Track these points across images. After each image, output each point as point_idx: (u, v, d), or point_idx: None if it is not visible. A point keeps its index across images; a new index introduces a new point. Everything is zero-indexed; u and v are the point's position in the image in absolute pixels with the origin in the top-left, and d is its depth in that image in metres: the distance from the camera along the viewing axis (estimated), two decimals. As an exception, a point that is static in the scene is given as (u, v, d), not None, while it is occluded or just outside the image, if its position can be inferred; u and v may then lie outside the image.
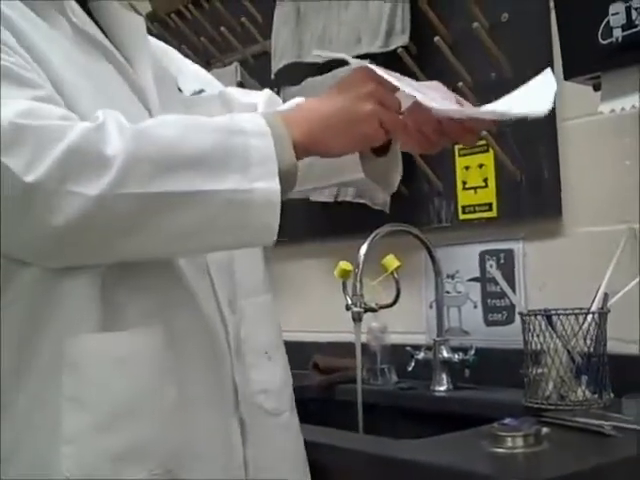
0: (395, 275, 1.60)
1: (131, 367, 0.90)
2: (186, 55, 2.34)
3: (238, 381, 1.02)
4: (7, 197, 0.82)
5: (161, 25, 2.49)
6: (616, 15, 1.26)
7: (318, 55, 1.58)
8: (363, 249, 1.60)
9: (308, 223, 2.06)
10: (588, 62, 1.32)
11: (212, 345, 0.99)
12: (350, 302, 1.58)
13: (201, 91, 1.20)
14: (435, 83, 1.06)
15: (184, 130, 0.89)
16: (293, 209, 2.06)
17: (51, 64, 0.92)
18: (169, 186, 0.85)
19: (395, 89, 0.97)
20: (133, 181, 0.84)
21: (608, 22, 1.27)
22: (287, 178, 0.90)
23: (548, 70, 1.06)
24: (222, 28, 2.22)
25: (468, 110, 1.02)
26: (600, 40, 1.28)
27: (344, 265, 1.63)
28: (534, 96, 1.06)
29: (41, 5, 0.96)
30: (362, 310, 1.58)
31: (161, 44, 1.24)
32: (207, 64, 2.34)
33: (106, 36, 1.05)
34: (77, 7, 1.01)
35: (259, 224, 0.89)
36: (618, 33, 1.26)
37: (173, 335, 0.93)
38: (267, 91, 1.29)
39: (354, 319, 1.57)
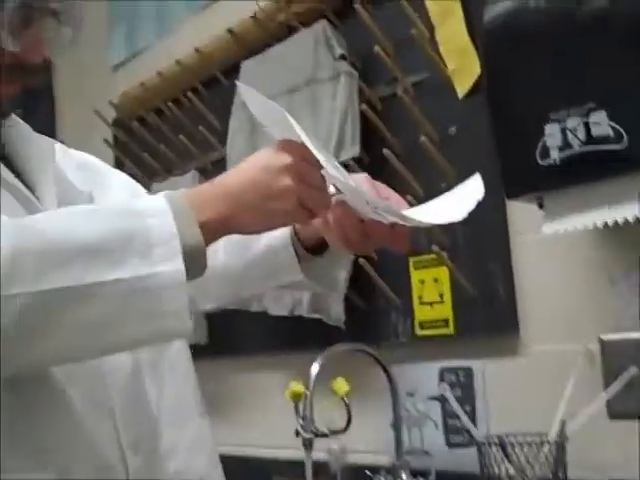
0: (345, 399, 1.53)
1: None
2: (147, 161, 2.34)
3: None
4: None
5: (124, 132, 2.48)
6: (551, 136, 1.22)
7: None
8: (314, 370, 1.53)
9: (265, 336, 2.01)
10: (529, 182, 1.28)
11: None
12: (300, 427, 1.50)
13: None
14: (364, 176, 0.96)
15: (73, 219, 0.82)
16: (251, 321, 2.04)
17: None
18: (61, 281, 0.78)
19: (320, 166, 0.87)
20: (20, 280, 0.77)
21: (545, 143, 1.23)
22: (194, 257, 0.83)
23: (477, 175, 1.00)
24: (180, 136, 2.20)
25: (380, 209, 0.89)
26: (539, 161, 1.24)
27: (295, 387, 1.56)
28: (457, 202, 0.98)
29: None
30: (312, 436, 1.50)
31: (82, 158, 1.17)
32: (167, 171, 2.32)
33: (10, 161, 1.01)
34: None
35: (168, 310, 0.81)
36: (555, 154, 1.22)
37: None
38: None
39: (305, 446, 1.49)
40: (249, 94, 0.91)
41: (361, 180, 0.94)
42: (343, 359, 1.67)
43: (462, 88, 1.60)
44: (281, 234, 1.07)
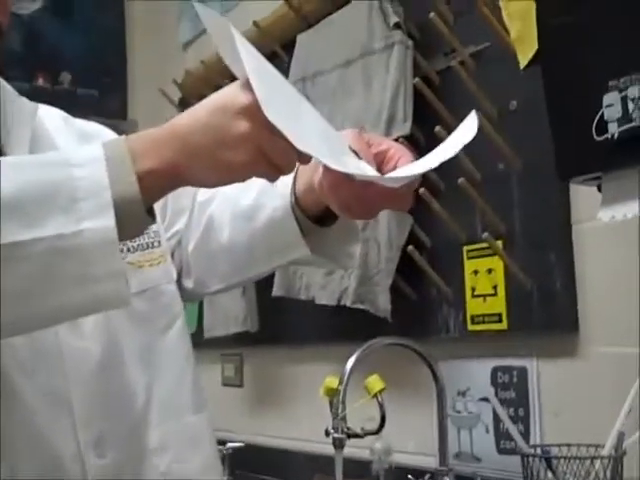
0: (379, 398, 1.41)
1: None
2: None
3: None
4: None
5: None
6: (610, 107, 1.06)
7: None
8: (348, 366, 1.42)
9: (315, 325, 1.90)
10: (583, 162, 1.12)
11: None
12: (330, 426, 1.39)
13: None
14: (350, 131, 0.83)
15: None
16: (301, 310, 1.94)
17: None
18: None
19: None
20: None
21: (602, 115, 1.07)
22: (130, 211, 0.71)
23: (473, 113, 0.87)
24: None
25: (363, 172, 0.77)
26: (595, 136, 1.08)
27: (329, 382, 1.45)
28: (451, 143, 0.86)
29: None
30: (344, 437, 1.38)
31: (89, 128, 1.08)
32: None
33: None
34: None
35: (98, 273, 0.70)
36: (614, 129, 1.06)
37: None
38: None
39: (335, 446, 1.38)
40: (210, 21, 0.77)
41: (347, 136, 0.81)
42: (388, 353, 1.56)
43: (525, 56, 1.44)
44: (282, 204, 0.96)
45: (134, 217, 0.72)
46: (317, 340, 1.93)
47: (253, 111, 0.70)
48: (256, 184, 1.05)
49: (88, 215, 0.69)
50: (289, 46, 1.99)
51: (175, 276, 1.06)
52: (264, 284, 1.89)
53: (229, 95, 0.73)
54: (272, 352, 2.13)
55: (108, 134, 1.10)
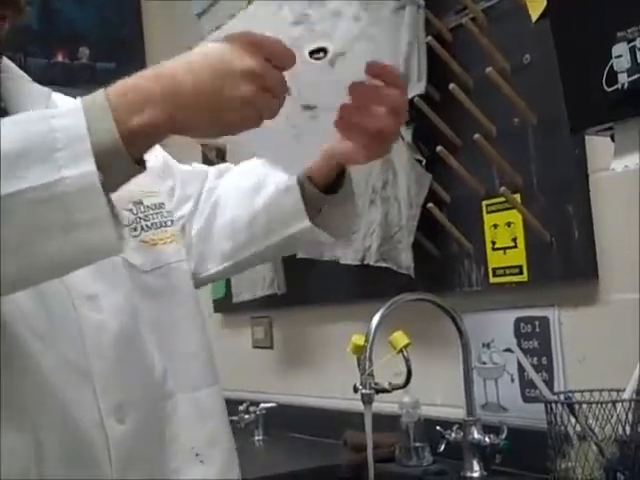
0: (405, 353, 1.44)
1: None
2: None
3: None
4: None
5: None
6: (620, 58, 1.07)
7: None
8: (374, 323, 1.46)
9: (340, 285, 1.94)
10: (594, 113, 1.14)
11: (85, 463, 0.86)
12: (359, 383, 1.43)
13: None
14: None
15: None
16: (326, 271, 1.98)
17: None
18: None
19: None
20: None
21: (612, 67, 1.09)
22: (112, 159, 0.71)
23: None
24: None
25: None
26: (605, 88, 1.10)
27: (357, 340, 1.48)
28: None
29: None
30: (372, 392, 1.42)
31: None
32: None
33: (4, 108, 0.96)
34: None
35: (82, 220, 0.70)
36: (624, 79, 1.08)
37: (42, 453, 0.82)
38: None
39: (364, 402, 1.42)
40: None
41: None
42: (413, 309, 1.59)
43: (536, 11, 1.45)
44: (287, 177, 1.00)
45: (119, 165, 0.72)
46: (343, 299, 1.97)
47: (257, 74, 0.73)
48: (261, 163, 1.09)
49: (67, 163, 0.69)
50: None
51: (185, 255, 1.08)
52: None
53: (229, 56, 0.73)
54: (300, 313, 2.17)
55: None
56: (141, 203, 1.04)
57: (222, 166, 1.17)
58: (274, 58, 0.75)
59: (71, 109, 0.72)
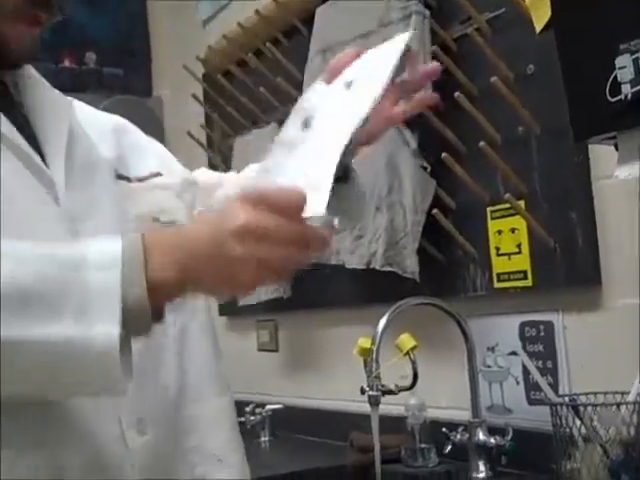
0: (411, 355, 1.47)
1: None
2: (233, 115, 2.33)
3: None
4: None
5: (212, 86, 2.47)
6: (623, 69, 1.10)
7: None
8: (380, 326, 1.49)
9: (344, 289, 1.97)
10: (598, 122, 1.16)
11: (107, 474, 0.87)
12: (366, 385, 1.46)
13: (157, 174, 1.12)
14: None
15: (15, 264, 0.73)
16: (331, 275, 2.00)
17: None
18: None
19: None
20: None
21: (616, 77, 1.12)
22: (136, 316, 0.74)
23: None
24: (261, 88, 2.17)
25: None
26: (609, 98, 1.13)
27: (363, 343, 1.51)
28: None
29: None
30: (379, 394, 1.45)
31: (117, 121, 1.14)
32: (253, 123, 2.30)
33: (25, 115, 0.98)
34: None
35: (98, 373, 0.74)
36: (627, 89, 1.10)
37: (63, 469, 0.84)
38: (231, 175, 1.22)
39: (370, 403, 1.45)
40: None
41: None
42: (418, 313, 1.62)
43: (540, 21, 1.47)
44: None
45: (140, 321, 0.75)
46: (349, 303, 2.00)
47: (243, 232, 0.72)
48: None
49: (96, 321, 0.72)
50: (307, 19, 2.03)
51: None
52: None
53: (226, 214, 0.74)
54: (305, 317, 2.20)
55: (130, 128, 1.15)
56: (158, 220, 1.08)
57: (228, 177, 1.22)
58: (279, 210, 0.72)
59: (108, 261, 0.74)
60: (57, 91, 1.04)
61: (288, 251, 0.72)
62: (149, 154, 1.13)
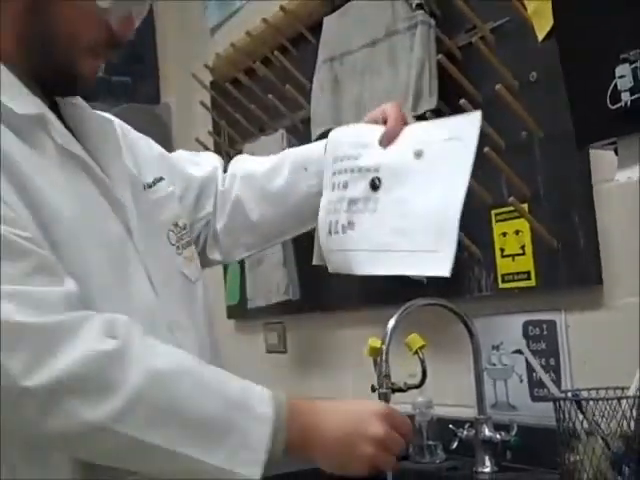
0: (420, 354, 1.52)
1: None
2: (241, 122, 2.38)
3: None
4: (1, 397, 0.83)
5: (220, 94, 2.52)
6: (623, 78, 1.16)
7: None
8: (390, 326, 1.54)
9: (351, 292, 2.02)
10: (599, 129, 1.22)
11: None
12: (376, 384, 1.51)
13: (161, 179, 1.20)
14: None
15: (196, 389, 0.91)
16: (338, 278, 2.05)
17: (36, 190, 0.94)
18: (159, 439, 0.87)
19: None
20: (132, 422, 0.86)
21: (616, 86, 1.17)
22: (268, 465, 0.92)
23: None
24: (270, 95, 2.22)
25: None
26: (609, 105, 1.18)
27: (373, 343, 1.56)
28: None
29: (26, 127, 0.98)
30: (388, 391, 1.50)
31: (120, 124, 1.23)
32: (260, 130, 2.35)
33: (78, 140, 1.06)
34: (58, 124, 1.03)
35: None
36: (627, 97, 1.16)
37: None
38: (215, 162, 1.35)
39: (380, 400, 1.50)
40: None
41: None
42: (425, 313, 1.67)
43: (542, 30, 1.53)
44: (317, 182, 1.20)
45: (269, 469, 0.92)
46: (356, 305, 2.05)
47: (377, 441, 0.96)
48: (286, 165, 1.26)
49: (244, 463, 0.90)
50: (314, 28, 2.09)
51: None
52: (303, 254, 2.02)
53: (367, 422, 0.97)
54: (313, 319, 2.25)
55: (125, 127, 1.24)
56: (177, 225, 1.17)
57: (234, 161, 1.36)
58: (397, 428, 0.99)
59: (263, 416, 0.92)
60: (100, 113, 1.13)
61: (392, 457, 0.99)
62: (147, 157, 1.22)
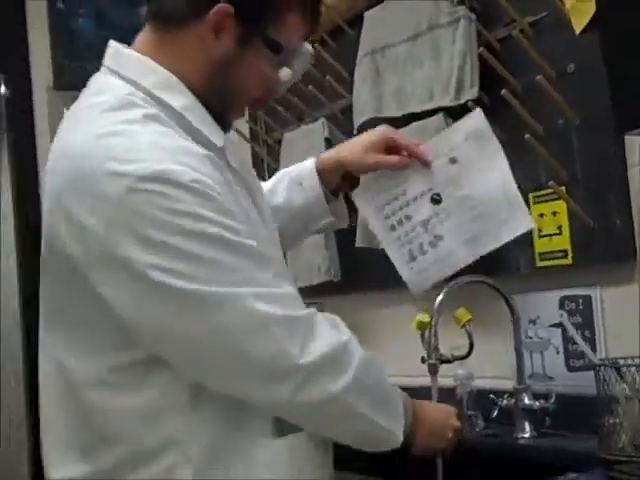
0: (467, 327, 1.64)
1: None
2: (279, 111, 2.48)
3: None
4: (277, 369, 1.05)
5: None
6: (662, 68, 1.26)
7: None
8: (438, 301, 1.65)
9: (392, 272, 2.11)
10: (637, 117, 1.32)
11: None
12: (426, 355, 1.62)
13: None
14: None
15: (382, 372, 1.20)
16: (380, 259, 2.15)
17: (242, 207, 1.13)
18: (366, 408, 1.13)
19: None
20: (355, 393, 1.11)
21: (656, 74, 1.27)
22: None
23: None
24: (310, 86, 2.32)
25: None
26: (649, 93, 1.29)
27: (421, 317, 1.68)
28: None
29: (218, 155, 1.14)
30: (438, 362, 1.62)
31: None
32: (299, 119, 2.46)
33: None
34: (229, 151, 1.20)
35: (385, 447, 1.21)
36: (666, 87, 1.26)
37: None
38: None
39: (430, 372, 1.61)
40: None
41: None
42: (466, 291, 1.78)
43: (579, 24, 1.63)
44: (313, 193, 1.39)
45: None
46: (395, 285, 2.14)
47: (458, 430, 1.34)
48: (282, 184, 1.44)
49: (399, 427, 1.20)
50: (353, 22, 2.19)
51: None
52: (344, 235, 2.12)
53: (454, 419, 1.35)
54: (351, 299, 2.35)
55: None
56: None
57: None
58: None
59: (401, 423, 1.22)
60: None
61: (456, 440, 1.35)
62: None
